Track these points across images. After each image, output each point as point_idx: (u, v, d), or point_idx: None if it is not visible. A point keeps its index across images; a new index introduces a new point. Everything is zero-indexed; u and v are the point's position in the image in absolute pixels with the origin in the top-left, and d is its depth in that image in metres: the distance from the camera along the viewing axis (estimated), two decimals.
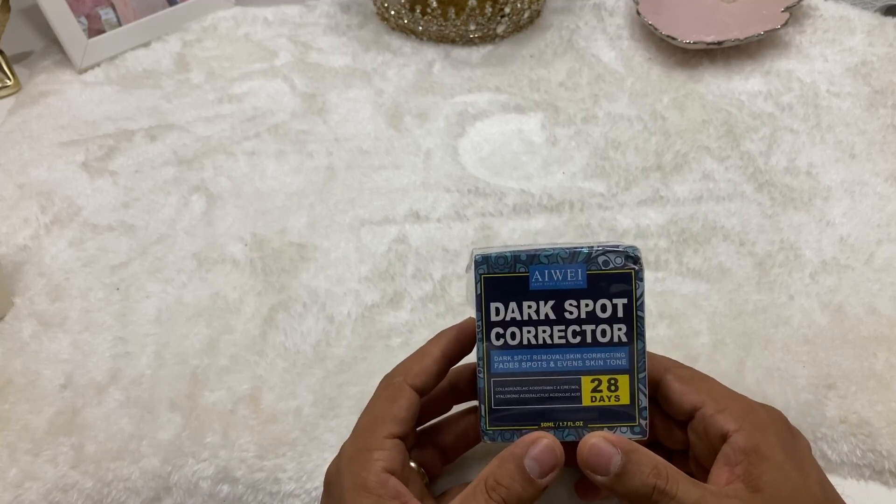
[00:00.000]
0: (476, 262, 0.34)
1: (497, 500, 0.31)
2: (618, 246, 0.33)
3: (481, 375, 0.34)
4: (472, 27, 0.71)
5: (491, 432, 0.34)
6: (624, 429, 0.33)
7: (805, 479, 0.32)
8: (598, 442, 0.31)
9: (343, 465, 0.33)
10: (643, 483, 0.30)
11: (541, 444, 0.31)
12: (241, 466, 0.41)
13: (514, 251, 0.34)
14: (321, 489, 0.40)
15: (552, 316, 0.34)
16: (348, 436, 0.43)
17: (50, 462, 0.42)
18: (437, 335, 0.37)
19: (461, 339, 0.36)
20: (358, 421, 0.35)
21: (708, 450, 0.33)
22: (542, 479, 0.31)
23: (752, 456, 0.31)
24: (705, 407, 0.33)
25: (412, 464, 0.36)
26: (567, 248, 0.33)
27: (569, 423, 0.34)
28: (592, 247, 0.33)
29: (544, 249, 0.34)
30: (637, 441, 0.32)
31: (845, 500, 0.33)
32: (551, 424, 0.34)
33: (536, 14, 0.75)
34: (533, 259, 0.34)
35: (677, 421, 0.35)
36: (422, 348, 0.36)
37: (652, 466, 0.30)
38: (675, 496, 0.30)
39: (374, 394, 0.36)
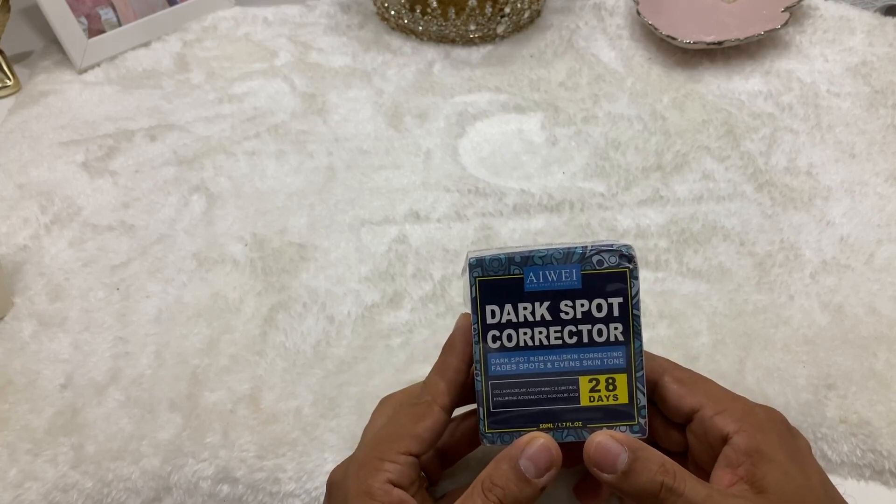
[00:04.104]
0: (470, 265, 0.34)
1: (493, 500, 0.30)
2: (612, 245, 0.33)
3: (479, 378, 0.34)
4: (472, 27, 0.71)
5: (490, 435, 0.34)
6: (623, 428, 0.33)
7: (808, 479, 0.32)
8: (605, 440, 0.31)
9: (351, 470, 0.33)
10: (651, 480, 0.30)
11: (536, 443, 0.31)
12: (241, 466, 0.41)
13: (508, 253, 0.34)
14: (321, 489, 0.40)
15: (548, 317, 0.34)
16: (347, 435, 0.43)
17: (50, 462, 0.42)
18: (449, 344, 0.36)
19: (470, 340, 0.36)
20: (378, 430, 0.35)
21: (707, 452, 0.33)
22: (538, 478, 0.31)
23: (755, 457, 0.31)
24: (704, 409, 0.33)
25: None
26: (561, 249, 0.33)
27: (568, 424, 0.33)
28: (586, 246, 0.33)
29: (538, 250, 0.33)
30: None
31: (846, 500, 0.33)
32: (550, 425, 0.33)
33: (536, 14, 0.75)
34: (527, 261, 0.33)
35: (675, 423, 0.35)
36: (443, 362, 0.35)
37: (659, 464, 0.30)
38: (683, 493, 0.30)
39: (399, 408, 0.35)
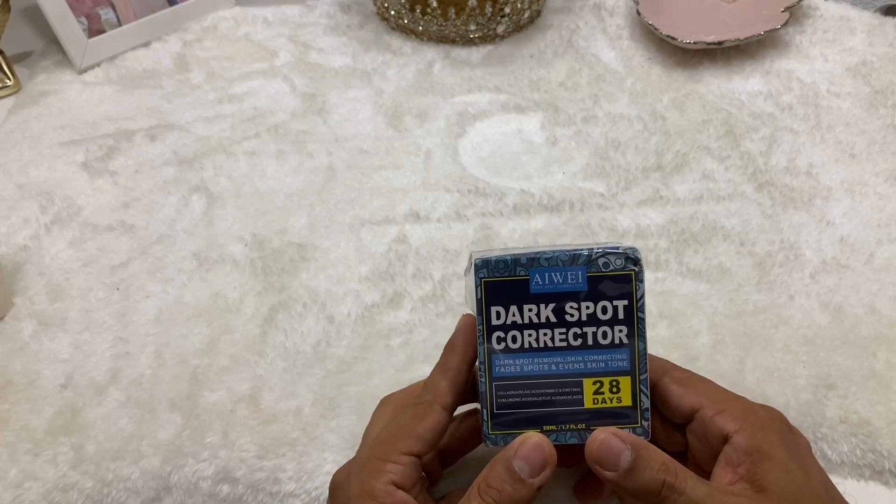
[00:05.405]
0: (476, 266, 0.34)
1: (489, 502, 0.30)
2: (617, 247, 0.33)
3: (483, 379, 0.34)
4: (472, 27, 0.71)
5: (493, 436, 0.34)
6: (626, 430, 0.33)
7: (808, 478, 0.32)
8: (608, 438, 0.31)
9: (353, 472, 0.33)
10: (653, 478, 0.30)
11: (528, 443, 0.31)
12: (241, 466, 0.41)
13: (513, 254, 0.34)
14: (321, 489, 0.40)
15: (553, 319, 0.34)
16: (347, 435, 0.43)
17: (50, 462, 0.42)
18: (450, 344, 0.36)
19: (471, 340, 0.36)
20: (380, 431, 0.35)
21: (708, 452, 0.33)
22: (532, 478, 0.31)
23: (755, 455, 0.31)
24: (704, 409, 0.33)
25: None
26: (567, 251, 0.33)
27: (571, 426, 0.33)
28: (592, 249, 0.33)
29: (544, 252, 0.33)
30: None
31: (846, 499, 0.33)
32: (553, 427, 0.33)
33: (536, 14, 0.75)
34: (533, 262, 0.33)
35: (675, 423, 0.35)
36: (445, 362, 0.35)
37: (661, 462, 0.31)
38: (684, 492, 0.30)
39: (400, 408, 0.35)
